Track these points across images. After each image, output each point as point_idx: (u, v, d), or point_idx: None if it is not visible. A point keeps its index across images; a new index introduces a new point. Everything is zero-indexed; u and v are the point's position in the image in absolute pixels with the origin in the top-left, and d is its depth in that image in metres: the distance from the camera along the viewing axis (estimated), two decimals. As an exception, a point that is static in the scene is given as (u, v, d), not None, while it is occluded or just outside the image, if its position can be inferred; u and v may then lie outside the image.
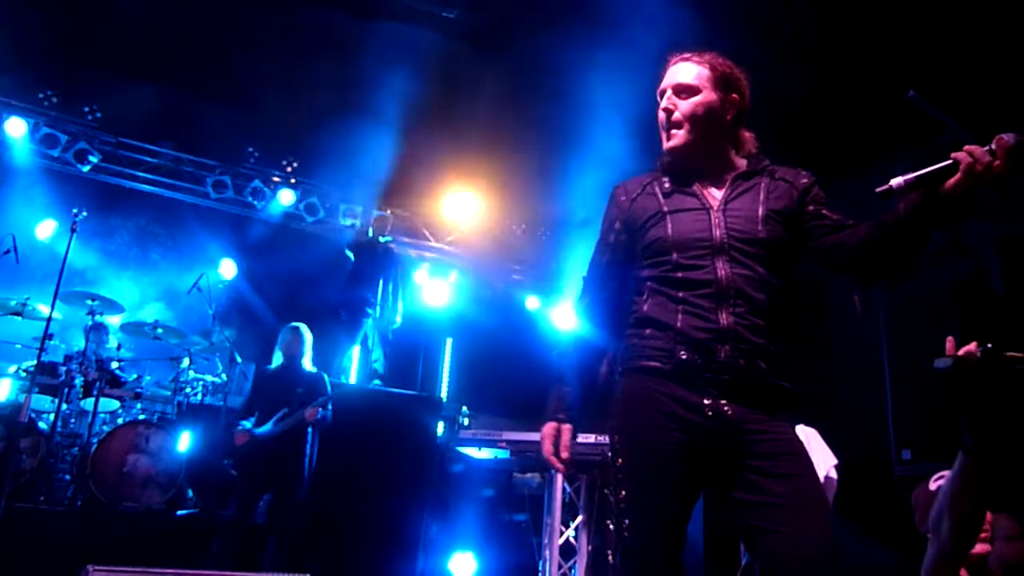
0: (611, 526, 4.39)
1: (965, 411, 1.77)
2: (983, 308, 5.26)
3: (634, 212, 2.02)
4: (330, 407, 5.21)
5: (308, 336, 5.41)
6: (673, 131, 1.99)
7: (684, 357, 1.79)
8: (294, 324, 5.46)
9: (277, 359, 5.34)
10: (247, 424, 5.02)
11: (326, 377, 5.36)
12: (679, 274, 1.87)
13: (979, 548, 2.32)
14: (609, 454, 1.89)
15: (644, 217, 1.99)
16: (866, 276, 1.89)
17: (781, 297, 1.88)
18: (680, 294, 1.86)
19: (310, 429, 5.13)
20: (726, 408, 1.76)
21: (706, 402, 1.77)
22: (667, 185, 2.02)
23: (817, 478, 1.79)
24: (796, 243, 1.94)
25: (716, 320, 1.80)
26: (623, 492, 1.79)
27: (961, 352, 1.71)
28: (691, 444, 1.76)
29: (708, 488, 1.85)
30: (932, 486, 2.54)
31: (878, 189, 1.66)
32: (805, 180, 1.99)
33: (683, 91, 1.99)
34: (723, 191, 1.95)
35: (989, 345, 1.68)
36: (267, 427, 4.98)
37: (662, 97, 2.03)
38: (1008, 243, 6.09)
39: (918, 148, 6.98)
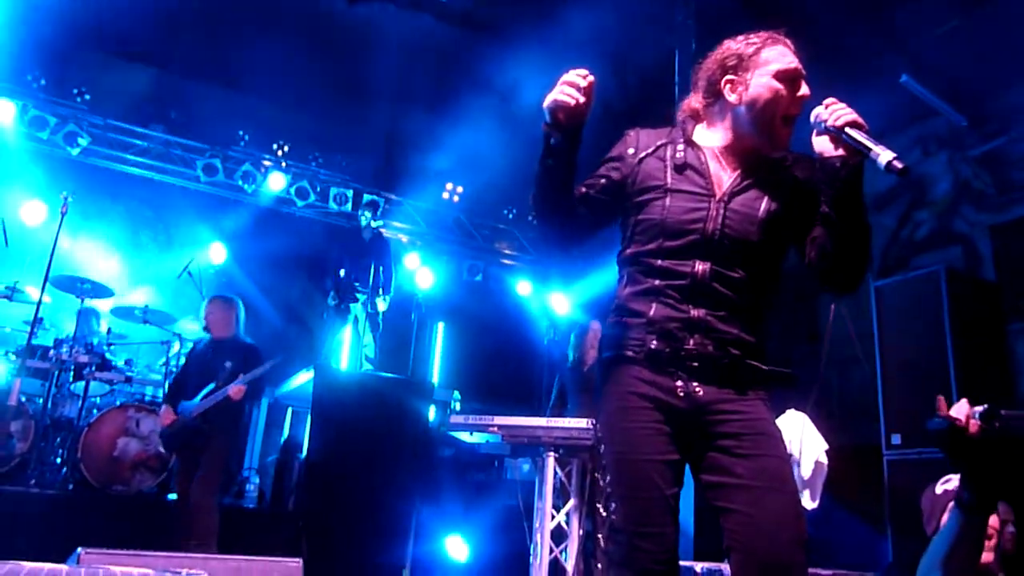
0: (602, 511, 4.42)
1: (962, 470, 1.76)
2: (974, 294, 5.28)
3: (638, 172, 1.93)
4: (264, 382, 4.90)
5: (234, 308, 5.05)
6: (789, 128, 1.86)
7: (654, 346, 1.81)
8: (218, 295, 5.19)
9: (205, 333, 5.07)
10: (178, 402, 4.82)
11: (270, 364, 4.95)
12: (659, 261, 1.85)
13: (985, 557, 2.33)
14: (596, 440, 1.91)
15: (645, 184, 1.91)
16: (835, 283, 1.85)
17: (760, 294, 1.87)
18: (656, 282, 1.84)
19: (247, 406, 4.92)
20: (697, 389, 1.78)
21: (678, 384, 1.79)
22: (680, 154, 1.91)
23: (785, 459, 1.78)
24: (793, 239, 1.90)
25: (686, 311, 1.80)
26: (608, 476, 1.81)
27: (954, 412, 1.70)
28: (668, 424, 1.78)
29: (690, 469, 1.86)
30: (938, 490, 2.56)
31: (899, 165, 1.59)
32: (818, 175, 1.86)
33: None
34: (733, 177, 1.87)
35: (985, 406, 1.67)
36: (192, 403, 4.74)
37: (788, 81, 1.84)
38: (1001, 230, 6.12)
39: (911, 131, 7.00)
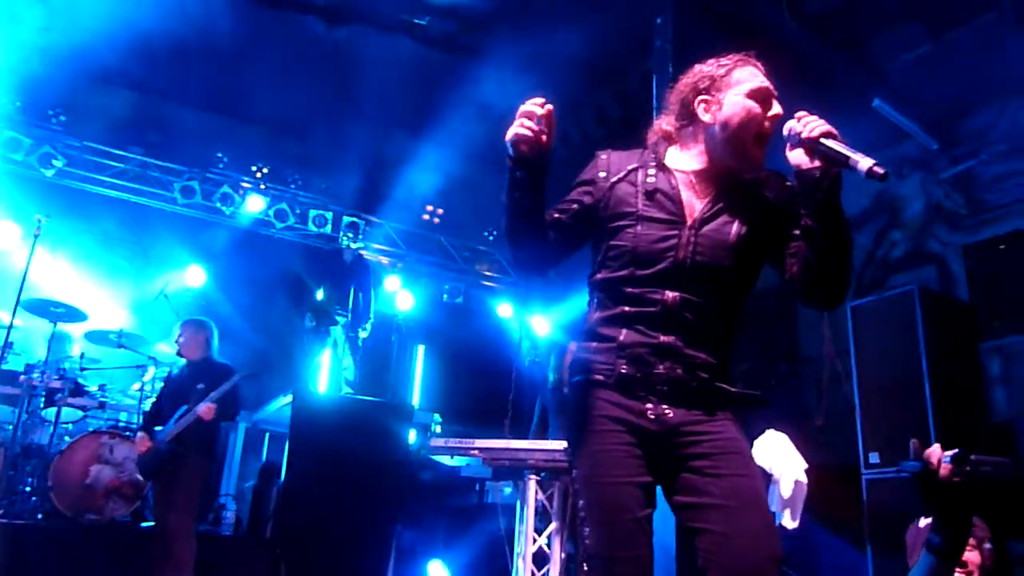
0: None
1: (933, 513, 1.78)
2: (948, 314, 5.35)
3: (609, 197, 1.92)
4: (238, 402, 4.88)
5: (204, 330, 4.99)
6: (762, 148, 1.86)
7: (624, 371, 1.81)
8: (190, 319, 5.13)
9: (179, 358, 5.03)
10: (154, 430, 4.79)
11: (237, 376, 4.86)
12: (630, 289, 1.85)
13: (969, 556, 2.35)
14: (569, 467, 1.91)
15: (616, 210, 1.90)
16: (818, 297, 1.85)
17: (729, 318, 1.89)
18: (627, 309, 1.85)
19: (221, 427, 4.88)
20: (667, 412, 1.79)
21: (648, 407, 1.79)
22: (651, 179, 1.90)
23: (757, 478, 1.79)
24: (768, 259, 1.91)
25: (656, 338, 1.81)
26: (581, 500, 1.80)
27: (927, 454, 1.72)
28: (639, 447, 1.78)
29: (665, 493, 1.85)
30: (922, 524, 2.59)
31: (879, 170, 1.59)
32: (788, 192, 1.88)
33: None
34: (704, 202, 1.87)
35: (956, 451, 1.69)
36: (167, 428, 4.69)
37: (761, 100, 1.86)
38: (974, 250, 6.22)
39: (884, 154, 7.11)
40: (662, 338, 1.80)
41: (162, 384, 5.35)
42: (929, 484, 1.70)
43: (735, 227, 1.85)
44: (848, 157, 1.63)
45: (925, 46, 5.90)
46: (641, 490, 1.77)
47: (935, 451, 1.71)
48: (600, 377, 1.84)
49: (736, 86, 1.87)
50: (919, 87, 6.27)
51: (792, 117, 1.77)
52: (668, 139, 1.98)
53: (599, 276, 1.93)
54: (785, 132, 1.77)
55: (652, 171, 1.91)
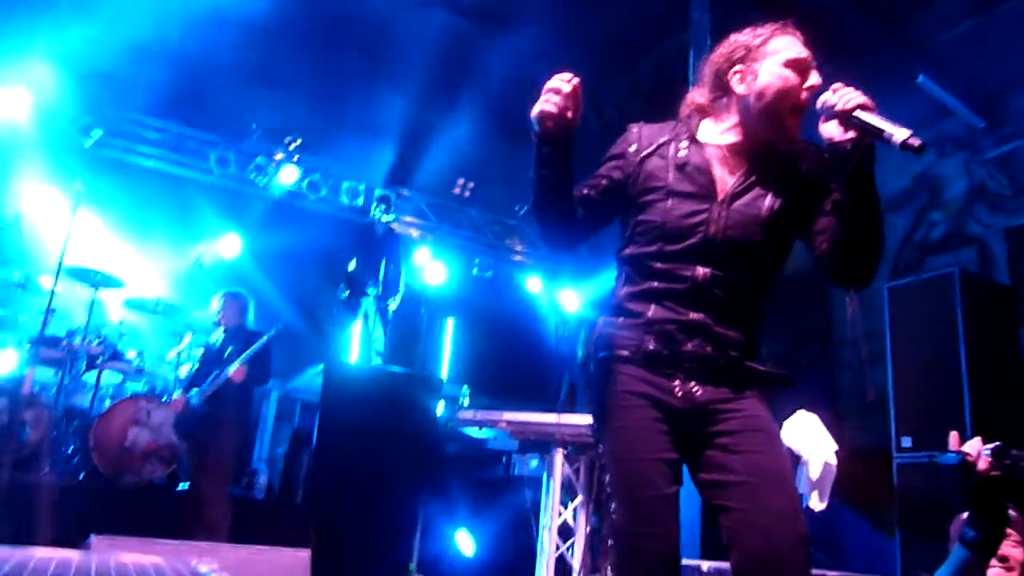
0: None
1: (969, 507, 1.75)
2: (987, 297, 5.24)
3: (639, 171, 1.88)
4: (269, 364, 5.08)
5: (239, 301, 5.28)
6: (798, 119, 1.81)
7: (652, 347, 1.79)
8: (228, 291, 5.40)
9: (215, 327, 5.32)
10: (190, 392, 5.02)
11: (265, 336, 5.13)
12: (659, 264, 1.82)
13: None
14: (593, 440, 1.90)
15: (647, 184, 1.86)
16: (848, 274, 1.82)
17: (760, 295, 1.86)
18: (655, 285, 1.82)
19: (256, 391, 5.12)
20: (695, 389, 1.77)
21: (675, 384, 1.78)
22: (683, 152, 1.86)
23: (783, 456, 1.77)
24: (800, 234, 1.87)
25: (686, 315, 1.79)
26: (608, 476, 1.80)
27: (966, 448, 1.68)
28: (666, 423, 1.77)
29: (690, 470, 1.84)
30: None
31: (915, 142, 1.54)
32: (824, 165, 1.82)
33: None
34: (736, 176, 1.83)
35: (997, 444, 1.66)
36: (201, 389, 4.94)
37: (798, 70, 1.81)
38: (1016, 232, 6.07)
39: (926, 132, 6.94)
40: (691, 315, 1.78)
41: (202, 352, 5.51)
42: (967, 478, 1.67)
43: (768, 201, 1.81)
44: (883, 129, 1.59)
45: (971, 21, 5.73)
46: (668, 467, 1.76)
47: (975, 444, 1.68)
48: (626, 353, 1.82)
49: (773, 55, 1.83)
50: (964, 63, 6.09)
51: (828, 89, 1.72)
52: (701, 112, 1.94)
53: (627, 251, 1.90)
54: (819, 104, 1.73)
55: (684, 144, 1.87)
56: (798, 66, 1.81)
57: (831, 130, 1.70)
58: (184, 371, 6.08)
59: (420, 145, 8.45)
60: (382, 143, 8.45)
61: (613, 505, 1.77)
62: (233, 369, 4.80)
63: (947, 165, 6.79)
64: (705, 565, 2.96)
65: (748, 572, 1.65)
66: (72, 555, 1.54)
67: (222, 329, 5.21)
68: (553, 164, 1.79)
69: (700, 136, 1.89)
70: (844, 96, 1.67)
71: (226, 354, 4.93)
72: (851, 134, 1.66)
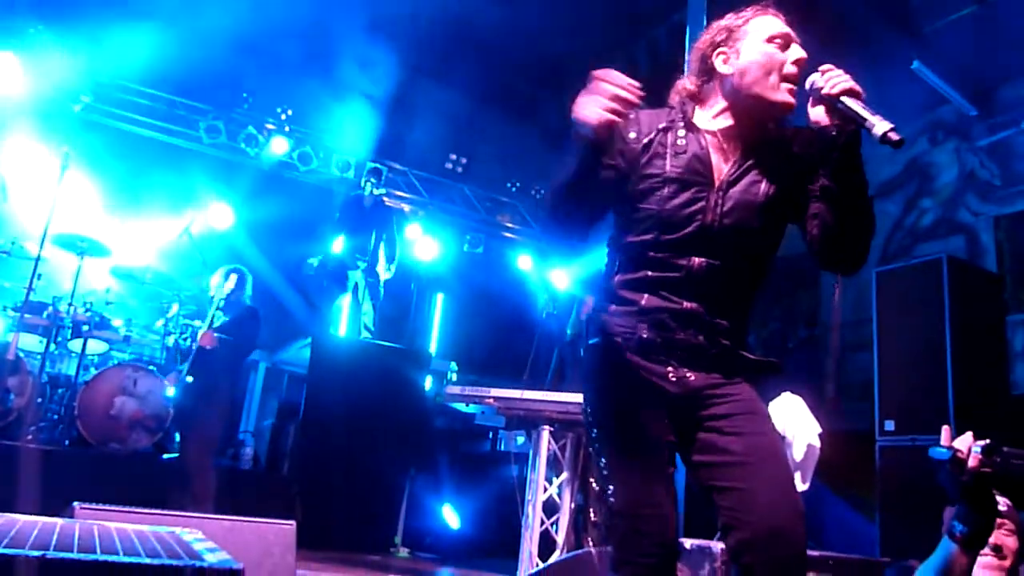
0: (595, 486, 4.42)
1: (958, 502, 1.75)
2: (975, 284, 5.27)
3: (639, 159, 1.84)
4: (251, 335, 5.10)
5: (235, 277, 5.21)
6: (788, 91, 1.79)
7: (645, 335, 1.79)
8: (228, 267, 5.33)
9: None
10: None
11: (252, 311, 5.18)
12: (654, 253, 1.81)
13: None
14: (586, 426, 1.88)
15: (645, 172, 1.83)
16: (837, 260, 1.83)
17: (753, 283, 1.87)
18: (649, 273, 1.82)
19: (234, 362, 5.08)
20: (688, 375, 1.78)
21: (669, 370, 1.78)
22: (681, 141, 1.84)
23: (776, 436, 1.80)
24: (793, 218, 1.86)
25: (680, 304, 1.79)
26: (603, 460, 1.80)
27: (957, 444, 1.69)
28: (660, 406, 1.77)
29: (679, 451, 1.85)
30: None
31: (895, 137, 1.55)
32: (818, 147, 1.80)
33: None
34: (732, 162, 1.82)
35: (987, 441, 1.67)
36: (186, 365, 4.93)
37: (781, 44, 1.81)
38: (1005, 221, 6.10)
39: (919, 119, 6.95)
40: (685, 304, 1.78)
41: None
42: (957, 473, 1.68)
43: (763, 187, 1.80)
44: (865, 119, 1.59)
45: (968, 9, 5.71)
46: (665, 448, 1.77)
47: (966, 440, 1.69)
48: (619, 340, 1.82)
49: (753, 33, 1.83)
50: (959, 52, 6.09)
51: (818, 71, 1.71)
52: (693, 99, 1.92)
53: (622, 239, 1.89)
54: (807, 85, 1.73)
55: (681, 132, 1.85)
56: (780, 40, 1.82)
57: (818, 114, 1.70)
58: (171, 340, 6.05)
59: (413, 119, 8.40)
60: (375, 116, 8.39)
61: (611, 488, 1.76)
62: (200, 334, 4.82)
63: (939, 152, 6.81)
64: (688, 543, 2.99)
65: (751, 550, 1.64)
66: (55, 523, 1.54)
67: (217, 303, 5.17)
68: (591, 164, 1.77)
69: (696, 122, 1.88)
70: (831, 80, 1.67)
71: (209, 321, 4.94)
72: (836, 120, 1.66)
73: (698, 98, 1.92)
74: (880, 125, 1.57)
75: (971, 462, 1.66)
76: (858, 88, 1.65)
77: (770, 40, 1.81)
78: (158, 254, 7.21)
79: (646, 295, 1.81)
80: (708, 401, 1.77)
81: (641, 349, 1.80)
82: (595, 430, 1.83)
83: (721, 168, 1.82)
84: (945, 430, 1.73)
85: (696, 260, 1.78)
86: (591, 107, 1.66)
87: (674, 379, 1.78)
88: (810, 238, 1.81)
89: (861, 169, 1.71)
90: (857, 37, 5.75)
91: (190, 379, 4.82)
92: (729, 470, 1.71)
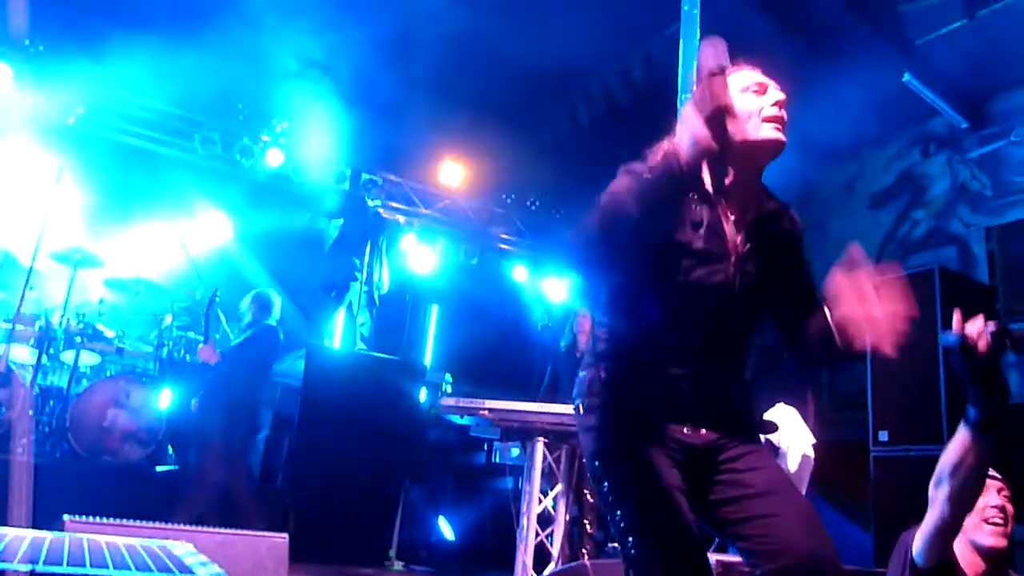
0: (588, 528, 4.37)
1: (971, 386, 1.82)
2: (967, 295, 5.30)
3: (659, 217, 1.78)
4: (266, 355, 5.25)
5: (257, 301, 5.37)
6: (774, 129, 1.82)
7: (660, 396, 1.80)
8: (254, 291, 5.48)
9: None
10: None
11: (274, 333, 5.28)
12: (675, 320, 1.82)
13: (992, 543, 2.39)
14: (593, 482, 1.82)
15: (666, 240, 1.80)
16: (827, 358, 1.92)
17: (755, 340, 1.94)
18: (669, 338, 1.83)
19: (280, 385, 5.17)
20: (703, 432, 1.80)
21: (686, 428, 1.79)
22: (697, 208, 1.82)
23: (781, 469, 1.87)
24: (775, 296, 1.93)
25: (696, 368, 1.81)
26: (621, 511, 1.72)
27: (968, 328, 1.74)
28: (682, 459, 1.76)
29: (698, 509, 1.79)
30: None
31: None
32: (799, 228, 1.94)
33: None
34: (740, 233, 1.85)
35: (997, 323, 1.72)
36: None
37: (758, 90, 1.86)
38: (997, 232, 6.13)
39: (911, 131, 6.99)
40: (702, 368, 1.81)
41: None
42: (968, 357, 1.73)
43: (767, 258, 1.88)
44: None
45: (959, 22, 5.76)
46: (686, 497, 1.72)
47: (976, 325, 1.74)
48: (636, 404, 1.81)
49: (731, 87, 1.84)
50: (951, 64, 6.14)
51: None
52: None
53: (642, 297, 1.86)
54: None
55: (696, 199, 1.84)
56: (755, 88, 1.88)
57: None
58: (165, 352, 6.04)
59: (409, 130, 8.41)
60: (370, 127, 8.41)
61: (631, 540, 1.68)
62: (200, 347, 4.97)
63: (931, 164, 6.85)
64: (713, 559, 2.98)
65: (790, 567, 1.61)
66: (45, 536, 1.53)
67: (242, 325, 5.35)
68: (671, 192, 1.71)
69: (705, 188, 1.88)
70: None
71: (205, 332, 5.13)
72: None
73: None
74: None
75: (981, 344, 1.71)
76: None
77: (745, 90, 1.87)
78: (152, 266, 7.20)
79: (663, 359, 1.82)
80: (721, 449, 1.80)
81: (660, 406, 1.80)
82: (606, 482, 1.77)
83: (734, 239, 1.85)
84: (956, 314, 1.79)
85: (715, 328, 1.84)
86: (707, 114, 1.61)
87: (689, 433, 1.79)
88: (797, 342, 1.91)
89: None
90: (850, 50, 5.80)
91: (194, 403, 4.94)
92: (752, 501, 1.71)
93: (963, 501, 2.05)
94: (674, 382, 1.81)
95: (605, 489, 1.77)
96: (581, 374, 1.94)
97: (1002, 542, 2.39)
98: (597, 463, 1.80)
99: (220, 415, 4.91)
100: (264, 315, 5.31)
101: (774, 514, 1.67)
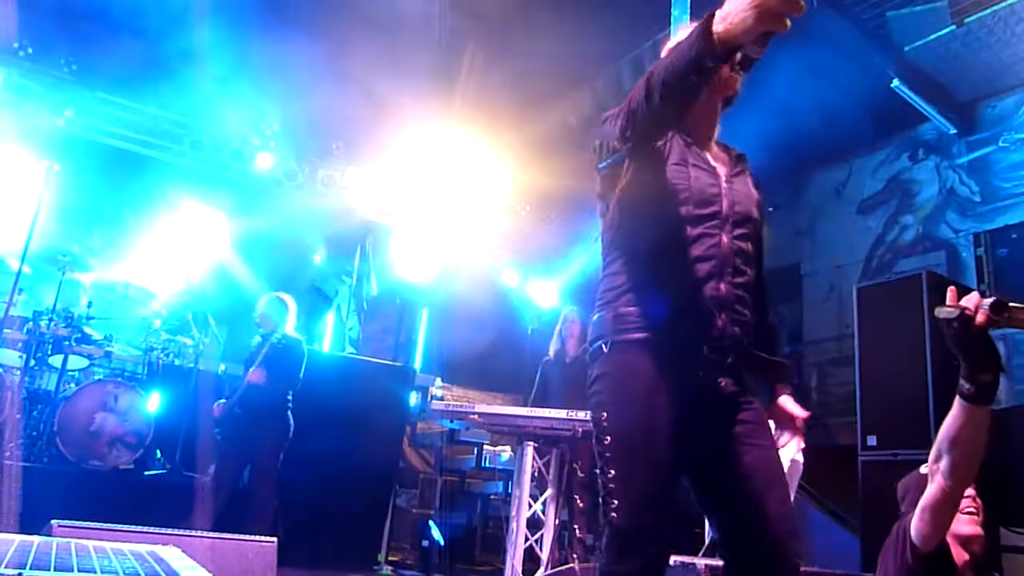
0: (578, 502, 4.41)
1: (966, 359, 1.84)
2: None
3: (662, 147, 1.86)
4: (295, 369, 5.17)
5: (279, 305, 5.30)
6: (736, 73, 1.86)
7: (681, 328, 1.72)
8: (271, 294, 5.41)
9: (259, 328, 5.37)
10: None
11: (302, 343, 5.27)
12: (692, 230, 1.78)
13: (970, 531, 2.50)
14: (595, 431, 1.76)
15: (668, 154, 1.85)
16: None
17: (760, 276, 1.94)
18: (682, 259, 1.77)
19: (290, 395, 5.14)
20: (722, 383, 1.73)
21: (700, 374, 1.72)
22: (685, 140, 1.90)
23: (776, 450, 1.83)
24: None
25: (716, 288, 1.75)
26: (612, 472, 1.69)
27: (964, 302, 1.77)
28: (685, 423, 1.69)
29: (690, 465, 1.79)
30: (923, 471, 2.68)
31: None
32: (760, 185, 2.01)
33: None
34: (725, 168, 1.92)
35: (994, 298, 1.74)
36: (233, 396, 5.08)
37: None
38: (985, 237, 6.18)
39: (900, 137, 7.04)
40: (722, 289, 1.76)
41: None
42: (965, 330, 1.75)
43: (752, 189, 1.95)
44: None
45: (947, 29, 5.81)
46: (675, 470, 1.72)
47: (972, 298, 1.77)
48: (651, 335, 1.73)
49: None
50: (939, 70, 6.19)
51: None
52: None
53: (648, 230, 1.82)
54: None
55: (679, 137, 1.91)
56: None
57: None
58: (154, 356, 6.01)
59: (400, 134, 8.40)
60: (361, 131, 8.40)
61: (615, 503, 1.67)
62: (251, 372, 4.94)
63: (919, 170, 6.90)
64: (672, 559, 2.99)
65: (743, 566, 1.67)
66: (32, 540, 1.52)
67: (260, 332, 5.27)
68: (711, 77, 1.62)
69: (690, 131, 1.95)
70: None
71: (258, 358, 5.03)
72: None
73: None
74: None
75: (979, 318, 1.74)
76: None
77: None
78: (141, 269, 7.17)
79: (681, 281, 1.75)
80: (736, 409, 1.76)
81: (675, 345, 1.71)
82: (607, 438, 1.72)
83: (718, 167, 1.92)
84: (951, 291, 1.82)
85: (725, 238, 1.81)
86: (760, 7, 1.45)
87: (707, 389, 1.72)
88: None
89: None
90: (839, 55, 5.84)
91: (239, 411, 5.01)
92: (743, 482, 1.70)
93: (963, 473, 2.10)
94: (689, 308, 1.74)
95: (605, 444, 1.72)
96: (596, 316, 1.86)
97: (978, 530, 2.53)
98: (601, 414, 1.75)
99: (261, 425, 4.98)
100: (284, 321, 5.27)
101: (750, 503, 1.67)
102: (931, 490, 2.21)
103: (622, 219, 1.88)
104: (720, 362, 1.74)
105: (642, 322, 1.74)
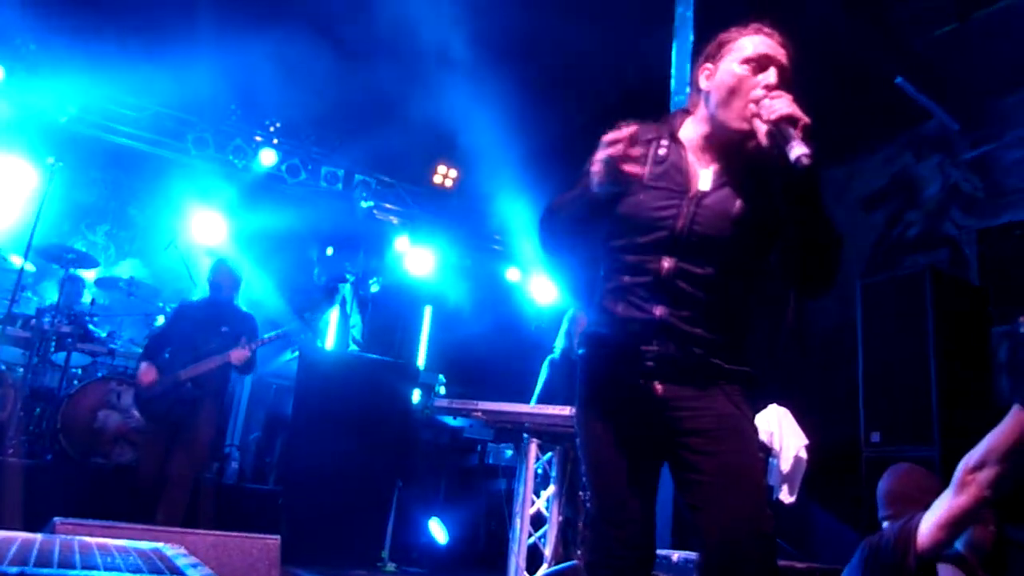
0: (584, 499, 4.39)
1: None
2: (958, 296, 5.31)
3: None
4: (256, 354, 4.78)
5: (240, 274, 5.04)
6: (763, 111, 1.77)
7: (619, 343, 1.82)
8: (225, 258, 5.21)
9: (202, 292, 5.00)
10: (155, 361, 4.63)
11: (255, 320, 4.98)
12: (629, 257, 1.84)
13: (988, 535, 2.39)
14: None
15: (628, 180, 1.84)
16: (798, 284, 1.83)
17: (732, 291, 1.83)
18: (625, 279, 1.84)
19: (235, 374, 4.87)
20: (657, 387, 1.77)
21: (640, 383, 1.78)
22: (663, 151, 1.87)
23: (748, 454, 1.76)
24: (774, 238, 1.83)
25: (650, 311, 1.78)
26: (583, 466, 1.90)
27: None
28: (635, 419, 1.80)
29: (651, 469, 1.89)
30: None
31: (805, 161, 1.56)
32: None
33: (784, 76, 1.79)
34: (711, 174, 1.83)
35: None
36: (187, 365, 4.60)
37: (756, 66, 1.79)
38: (989, 234, 6.16)
39: (904, 134, 7.02)
40: (656, 311, 1.77)
41: (170, 316, 5.25)
42: None
43: (739, 201, 1.80)
44: (789, 144, 1.58)
45: (951, 25, 5.78)
46: (639, 461, 1.81)
47: None
48: (601, 348, 1.88)
49: (736, 52, 1.83)
50: (943, 66, 6.16)
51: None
52: (684, 112, 1.97)
53: (605, 245, 1.92)
54: (752, 108, 1.73)
55: (665, 142, 1.89)
56: (757, 62, 1.80)
57: (764, 138, 1.68)
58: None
59: (401, 132, 8.40)
60: (364, 129, 8.39)
61: (589, 494, 1.86)
62: (236, 352, 4.56)
63: (923, 166, 6.87)
64: (675, 555, 2.99)
65: (709, 566, 1.69)
66: (35, 537, 1.52)
67: (210, 300, 4.88)
68: (597, 205, 1.84)
69: (681, 133, 1.91)
70: (771, 105, 1.66)
71: (218, 331, 4.62)
72: (772, 144, 1.65)
73: (690, 110, 1.96)
74: (796, 150, 1.56)
75: None
76: (798, 114, 1.62)
77: (744, 62, 1.80)
78: (144, 266, 7.18)
79: (621, 303, 1.84)
80: (682, 414, 1.75)
81: (616, 357, 1.83)
82: (577, 438, 1.92)
83: (699, 176, 1.84)
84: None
85: (665, 263, 1.78)
86: (605, 167, 1.72)
87: (641, 393, 1.78)
88: (776, 262, 1.84)
89: (816, 198, 1.68)
90: (843, 52, 5.81)
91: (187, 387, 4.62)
92: (702, 489, 1.72)
93: (1006, 487, 2.01)
94: (629, 326, 1.81)
95: (576, 443, 1.96)
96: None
97: (993, 528, 2.45)
98: (577, 413, 1.94)
99: (217, 410, 4.84)
100: (237, 294, 4.98)
101: (709, 508, 1.69)
102: (961, 500, 2.06)
103: (608, 227, 1.94)
104: (651, 373, 1.78)
105: (597, 334, 1.90)
